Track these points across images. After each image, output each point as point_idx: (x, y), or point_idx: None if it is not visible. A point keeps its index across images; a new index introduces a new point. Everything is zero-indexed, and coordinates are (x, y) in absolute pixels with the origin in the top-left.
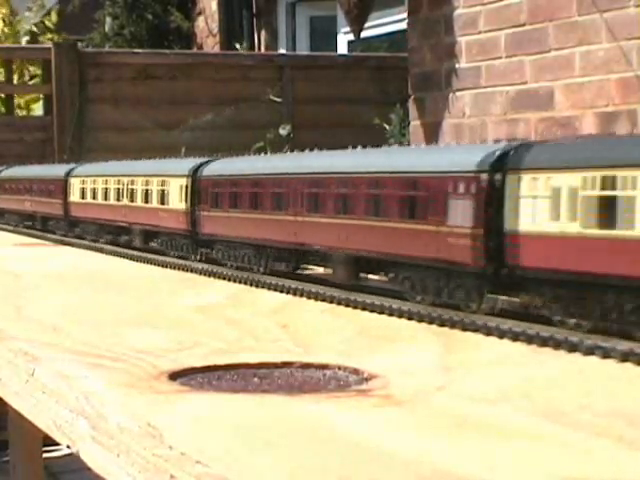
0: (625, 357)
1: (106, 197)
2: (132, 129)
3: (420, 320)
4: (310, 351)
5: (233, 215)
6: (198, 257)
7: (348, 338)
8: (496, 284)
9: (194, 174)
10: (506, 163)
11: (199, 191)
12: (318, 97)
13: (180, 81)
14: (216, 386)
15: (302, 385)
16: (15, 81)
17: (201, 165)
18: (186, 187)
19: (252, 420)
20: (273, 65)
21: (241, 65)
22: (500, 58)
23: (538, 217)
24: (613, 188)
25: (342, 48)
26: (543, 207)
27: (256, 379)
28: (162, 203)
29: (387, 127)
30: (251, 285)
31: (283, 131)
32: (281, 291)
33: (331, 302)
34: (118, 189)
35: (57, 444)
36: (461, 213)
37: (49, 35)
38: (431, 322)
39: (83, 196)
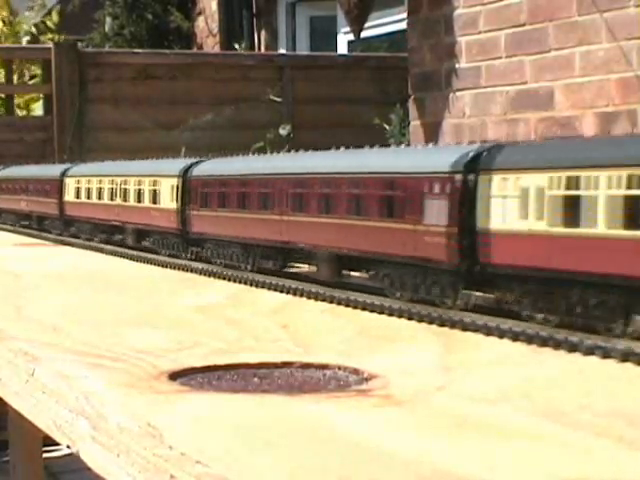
0: (625, 357)
1: (100, 197)
2: (132, 129)
3: (420, 320)
4: (310, 351)
5: (222, 214)
6: (189, 255)
7: (348, 338)
8: (470, 281)
9: (185, 174)
10: (479, 164)
11: (189, 191)
12: (318, 97)
13: (180, 81)
14: (216, 386)
15: (302, 385)
16: (15, 81)
17: (192, 165)
18: (177, 187)
19: (252, 420)
20: (273, 65)
21: (241, 65)
22: (500, 58)
23: (508, 216)
24: (577, 188)
25: (342, 48)
26: (512, 206)
27: (256, 379)
28: (154, 203)
29: (387, 127)
30: (251, 285)
31: (283, 131)
32: (281, 291)
33: (331, 302)
34: (112, 189)
35: (57, 444)
36: (436, 212)
37: (50, 35)
38: (431, 322)
39: (78, 196)
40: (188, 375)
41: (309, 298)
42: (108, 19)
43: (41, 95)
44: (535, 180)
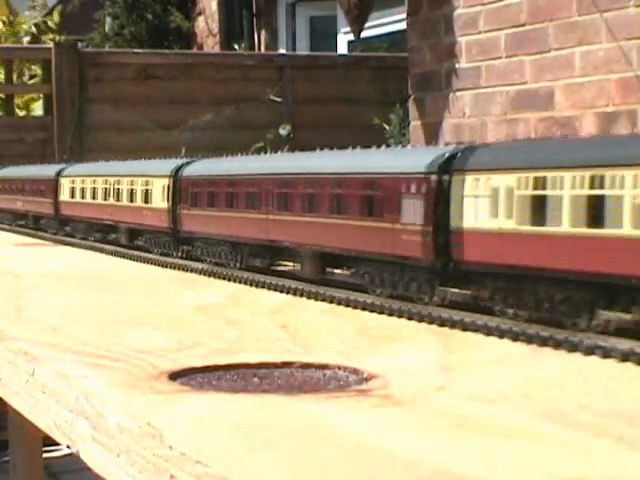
0: (625, 357)
1: (94, 196)
2: (132, 129)
3: (420, 320)
4: (310, 351)
5: (211, 214)
6: (179, 254)
7: (348, 338)
8: (445, 277)
9: (176, 174)
10: (453, 165)
11: (180, 191)
12: (318, 97)
13: (180, 81)
14: (216, 386)
15: (302, 385)
16: (14, 81)
17: (182, 166)
18: (168, 187)
19: (252, 420)
20: (273, 65)
21: (241, 65)
22: (500, 58)
23: (479, 215)
24: (543, 188)
25: (342, 48)
26: (484, 206)
27: (256, 379)
28: (146, 202)
29: (387, 127)
30: (251, 285)
31: (283, 131)
32: (281, 291)
33: (331, 302)
34: (105, 189)
35: (57, 444)
36: (413, 212)
37: (51, 35)
38: (431, 322)
39: (72, 195)
40: (188, 375)
41: (309, 298)
42: (108, 19)
43: (41, 95)
44: (505, 180)
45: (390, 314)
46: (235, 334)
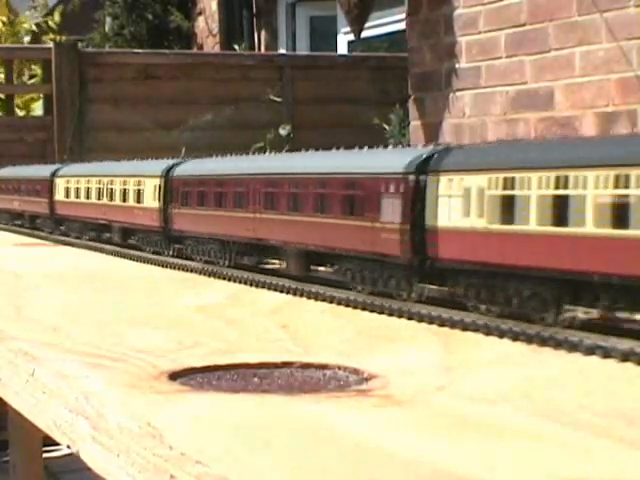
0: (625, 357)
1: (88, 196)
2: (132, 129)
3: (420, 320)
4: (310, 351)
5: (201, 212)
6: (170, 252)
7: (348, 338)
8: (422, 274)
9: (167, 174)
10: (429, 166)
11: (171, 190)
12: (318, 97)
13: (180, 81)
14: (216, 386)
15: (302, 385)
16: (14, 81)
17: (173, 166)
18: (159, 187)
19: (252, 420)
20: (273, 65)
21: (241, 65)
22: (500, 58)
23: (453, 214)
24: (512, 188)
25: (342, 48)
26: (457, 205)
27: (256, 379)
28: (138, 202)
29: (387, 127)
30: (251, 285)
31: (283, 131)
32: (281, 291)
33: (331, 302)
34: (99, 189)
35: (57, 444)
36: (391, 211)
37: (51, 35)
38: (431, 322)
39: (67, 195)
40: (188, 375)
41: (309, 298)
42: (108, 19)
43: (41, 95)
44: (476, 181)
45: (390, 314)
46: (235, 334)
